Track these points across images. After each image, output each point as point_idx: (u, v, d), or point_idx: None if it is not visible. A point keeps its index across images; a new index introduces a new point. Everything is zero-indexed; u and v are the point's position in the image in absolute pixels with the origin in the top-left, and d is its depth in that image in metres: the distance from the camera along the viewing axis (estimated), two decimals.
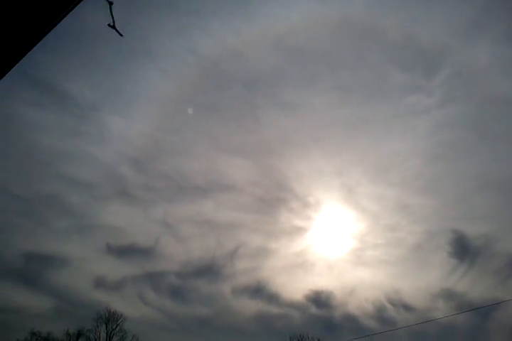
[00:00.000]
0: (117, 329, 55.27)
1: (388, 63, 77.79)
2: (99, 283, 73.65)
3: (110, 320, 55.43)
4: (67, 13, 2.81)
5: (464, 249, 70.14)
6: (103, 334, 54.87)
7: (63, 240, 72.20)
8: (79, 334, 53.84)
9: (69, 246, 71.31)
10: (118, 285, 71.27)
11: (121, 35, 3.31)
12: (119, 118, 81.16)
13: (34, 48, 2.98)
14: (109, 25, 3.39)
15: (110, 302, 71.42)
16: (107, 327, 55.19)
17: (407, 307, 71.60)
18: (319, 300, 71.06)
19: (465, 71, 73.88)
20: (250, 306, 76.74)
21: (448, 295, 66.30)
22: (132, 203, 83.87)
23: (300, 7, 70.31)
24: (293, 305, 76.53)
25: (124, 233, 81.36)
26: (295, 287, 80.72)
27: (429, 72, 77.65)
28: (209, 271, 79.09)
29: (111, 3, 3.29)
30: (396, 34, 72.25)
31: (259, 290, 72.85)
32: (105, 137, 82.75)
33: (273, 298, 77.21)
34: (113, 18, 3.28)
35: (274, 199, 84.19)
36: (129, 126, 79.55)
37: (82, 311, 61.96)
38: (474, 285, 68.92)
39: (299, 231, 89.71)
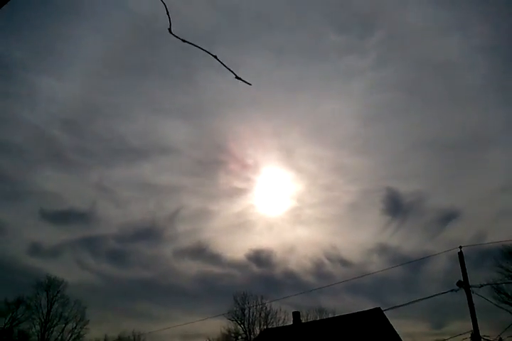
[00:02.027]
0: (58, 295, 54.77)
1: (324, 24, 78.66)
2: (35, 250, 72.09)
3: (51, 286, 54.77)
4: None
5: (396, 206, 74.82)
6: (44, 302, 54.28)
7: None
8: (18, 302, 52.82)
9: (1, 213, 68.65)
10: (55, 251, 70.06)
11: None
12: (50, 79, 77.06)
13: None
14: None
15: (48, 269, 70.46)
16: (47, 294, 54.45)
17: (344, 262, 76.26)
18: (260, 258, 73.78)
19: (398, 33, 76.21)
20: (192, 267, 78.53)
21: (382, 249, 71.04)
22: (67, 167, 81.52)
23: None
24: (235, 265, 79.21)
25: (60, 198, 79.41)
26: (236, 247, 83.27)
27: (365, 34, 79.66)
28: (149, 234, 79.52)
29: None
30: None
31: (200, 252, 74.33)
32: (36, 99, 78.54)
33: (215, 258, 79.39)
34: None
35: (213, 161, 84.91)
36: (61, 87, 75.83)
37: (19, 279, 60.54)
38: (406, 239, 74.15)
39: (238, 192, 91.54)
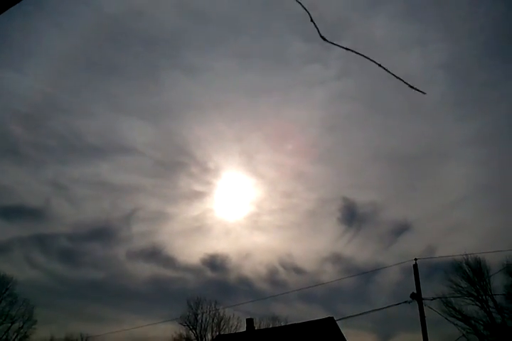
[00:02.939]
0: (6, 293, 52.89)
1: (290, 32, 79.40)
2: None
3: None
4: None
5: (352, 216, 75.68)
6: None
7: None
8: None
9: None
10: (4, 247, 67.30)
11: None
12: (8, 72, 74.43)
13: None
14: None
15: None
16: None
17: (298, 270, 76.58)
18: (215, 263, 73.22)
19: (362, 45, 77.94)
20: (146, 270, 76.94)
21: (336, 258, 71.79)
22: (21, 162, 78.71)
23: None
24: (189, 269, 78.21)
25: (11, 193, 76.29)
26: (192, 251, 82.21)
27: (329, 44, 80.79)
28: (103, 234, 77.67)
29: None
30: (299, 4, 73.92)
31: (155, 254, 73.09)
32: None
33: (169, 261, 78.07)
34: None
35: (174, 163, 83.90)
36: (19, 81, 73.23)
37: None
38: (360, 249, 75.24)
39: (198, 195, 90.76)
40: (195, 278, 73.78)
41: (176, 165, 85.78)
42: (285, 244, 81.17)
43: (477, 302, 40.73)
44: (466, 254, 41.32)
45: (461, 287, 41.73)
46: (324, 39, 3.36)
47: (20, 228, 76.07)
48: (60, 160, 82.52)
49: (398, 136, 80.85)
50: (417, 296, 24.10)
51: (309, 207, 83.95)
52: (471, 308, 40.84)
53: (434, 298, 24.93)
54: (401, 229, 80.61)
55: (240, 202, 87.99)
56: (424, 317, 23.77)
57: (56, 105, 79.76)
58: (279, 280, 70.59)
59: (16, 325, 52.15)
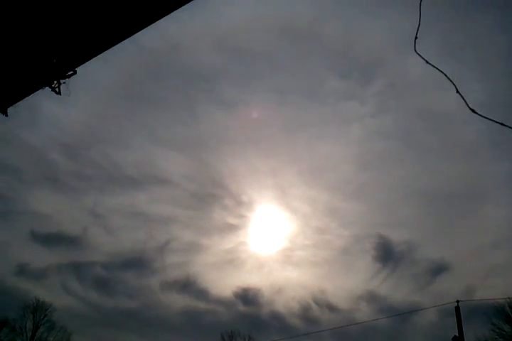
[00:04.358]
0: (45, 319, 53.97)
1: (326, 69, 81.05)
2: (22, 271, 71.29)
3: (38, 310, 53.99)
4: None
5: (387, 254, 74.58)
6: (29, 325, 53.36)
7: None
8: (3, 323, 51.93)
9: None
10: (42, 273, 69.17)
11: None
12: (52, 102, 78.03)
13: None
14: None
15: (33, 291, 69.36)
16: (34, 317, 53.68)
17: (331, 308, 75.16)
18: (247, 297, 72.88)
19: (398, 83, 78.55)
20: (178, 301, 77.36)
21: (370, 297, 70.34)
22: (61, 190, 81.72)
23: (246, 7, 71.29)
24: (221, 302, 77.89)
25: (51, 220, 78.90)
26: (224, 283, 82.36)
27: (364, 81, 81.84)
28: (138, 263, 78.81)
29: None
30: (335, 42, 75.57)
31: (188, 286, 73.42)
32: (37, 121, 79.46)
33: (202, 293, 78.27)
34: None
35: (208, 195, 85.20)
36: (62, 111, 76.85)
37: (3, 299, 59.84)
38: (395, 288, 73.59)
39: (231, 228, 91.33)
40: (227, 311, 73.49)
41: (211, 198, 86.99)
42: (318, 280, 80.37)
43: None
44: (508, 297, 40.28)
45: (504, 331, 40.44)
46: (474, 111, 3.39)
47: (58, 255, 77.98)
48: (99, 189, 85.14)
49: (434, 174, 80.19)
50: (459, 339, 23.68)
51: (342, 244, 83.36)
52: None
53: None
54: (438, 269, 78.63)
55: (273, 236, 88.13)
56: None
57: (96, 136, 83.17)
58: (312, 317, 69.49)
59: None
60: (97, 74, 77.67)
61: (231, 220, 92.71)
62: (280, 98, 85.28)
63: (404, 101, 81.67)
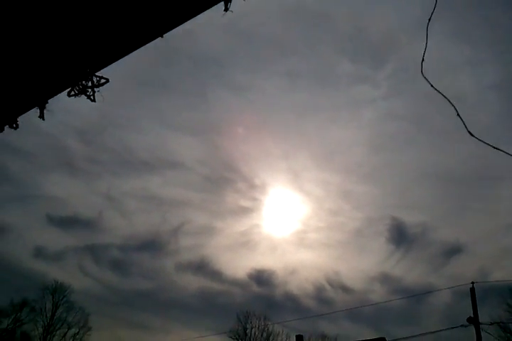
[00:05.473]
0: (64, 300, 55.29)
1: (337, 53, 79.81)
2: (39, 253, 72.60)
3: (57, 291, 55.28)
4: None
5: (401, 236, 74.63)
6: (49, 305, 54.69)
7: (2, 208, 70.31)
8: (23, 303, 53.28)
9: (8, 215, 69.57)
10: (58, 256, 70.43)
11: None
12: None
13: None
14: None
15: (50, 273, 70.91)
16: (53, 297, 54.95)
17: (345, 289, 75.91)
18: (261, 278, 73.66)
19: (410, 66, 77.28)
20: (193, 282, 78.51)
21: (384, 278, 70.66)
22: (76, 175, 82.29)
23: None
24: (235, 283, 79.10)
25: (66, 204, 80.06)
26: (238, 265, 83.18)
27: (377, 65, 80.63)
28: (152, 245, 79.55)
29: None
30: (347, 25, 74.30)
31: (202, 267, 74.28)
32: (50, 107, 79.89)
33: (216, 275, 79.41)
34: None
35: (221, 178, 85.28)
36: (79, 99, 77.12)
37: (22, 280, 61.19)
38: (409, 270, 73.75)
39: (244, 211, 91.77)
40: (242, 292, 74.51)
41: (223, 181, 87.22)
42: (332, 262, 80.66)
43: None
44: None
45: None
46: (472, 135, 3.46)
47: (74, 238, 79.43)
48: (113, 173, 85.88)
49: (447, 156, 79.18)
50: (474, 320, 23.82)
51: (356, 226, 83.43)
52: None
53: (492, 323, 24.50)
54: (452, 251, 78.33)
55: (286, 219, 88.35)
56: None
57: (109, 121, 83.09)
58: (326, 298, 70.11)
59: (72, 331, 54.45)
60: None
61: (244, 203, 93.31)
62: (291, 81, 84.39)
63: (416, 84, 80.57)
